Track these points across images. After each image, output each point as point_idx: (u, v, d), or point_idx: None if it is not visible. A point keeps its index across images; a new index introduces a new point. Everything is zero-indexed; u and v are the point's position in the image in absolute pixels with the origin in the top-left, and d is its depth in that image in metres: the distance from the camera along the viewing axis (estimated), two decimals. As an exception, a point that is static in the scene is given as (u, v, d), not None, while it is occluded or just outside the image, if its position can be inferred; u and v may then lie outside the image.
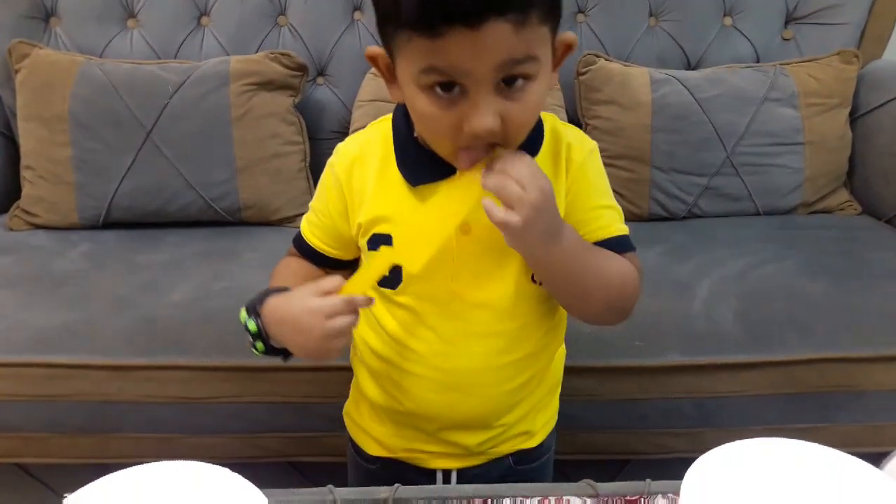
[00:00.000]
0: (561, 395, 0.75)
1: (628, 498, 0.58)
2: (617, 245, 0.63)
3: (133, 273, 1.06)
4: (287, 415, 0.92)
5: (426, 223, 0.57)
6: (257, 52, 1.28)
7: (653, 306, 0.96)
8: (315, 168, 1.26)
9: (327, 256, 0.68)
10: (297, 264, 0.69)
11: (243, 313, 0.60)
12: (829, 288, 1.01)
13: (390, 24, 0.52)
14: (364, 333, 0.67)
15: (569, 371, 0.76)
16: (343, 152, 0.65)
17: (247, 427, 0.92)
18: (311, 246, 0.68)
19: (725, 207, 1.23)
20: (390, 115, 0.63)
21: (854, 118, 1.29)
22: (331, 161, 0.66)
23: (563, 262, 0.58)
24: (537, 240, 0.54)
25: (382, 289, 0.63)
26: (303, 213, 0.70)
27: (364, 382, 0.70)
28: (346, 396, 0.75)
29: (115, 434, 0.92)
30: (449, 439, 0.67)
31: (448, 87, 0.51)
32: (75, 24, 1.32)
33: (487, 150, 0.54)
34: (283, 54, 1.24)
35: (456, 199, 0.55)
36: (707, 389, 0.91)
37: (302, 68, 1.25)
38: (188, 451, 0.92)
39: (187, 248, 1.13)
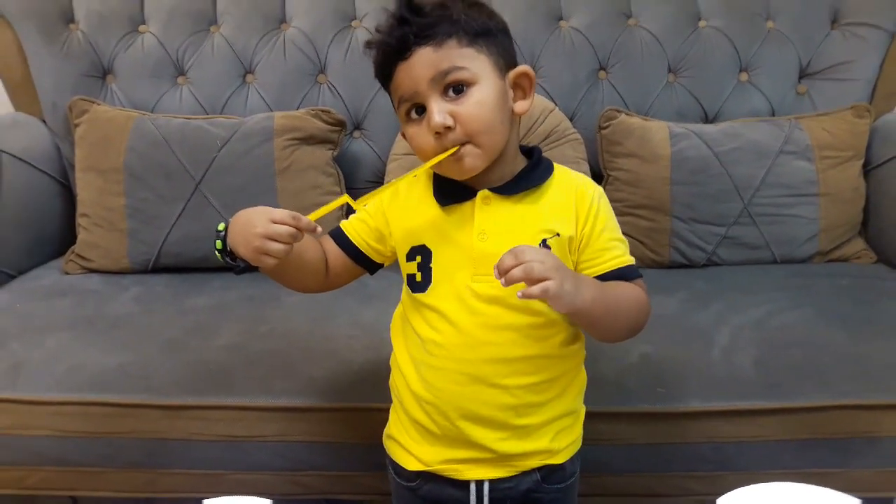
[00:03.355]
0: (585, 438, 0.81)
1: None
2: (628, 272, 0.75)
3: (181, 316, 1.13)
4: (326, 454, 0.97)
5: (453, 233, 0.74)
6: (299, 108, 1.37)
7: (674, 353, 1.01)
8: (349, 212, 1.33)
9: (354, 244, 0.80)
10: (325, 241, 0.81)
11: (221, 225, 0.71)
12: (845, 336, 1.05)
13: (384, 81, 0.73)
14: (401, 348, 0.79)
15: (591, 416, 0.82)
16: (394, 187, 0.78)
17: (289, 465, 0.98)
18: (346, 235, 0.80)
19: (744, 256, 1.28)
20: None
21: (867, 170, 1.34)
22: (385, 188, 0.76)
23: (601, 305, 0.69)
24: (573, 292, 0.64)
25: (415, 294, 0.76)
26: None
27: (404, 395, 0.78)
28: (380, 438, 0.82)
29: (165, 470, 0.98)
30: (472, 437, 0.74)
31: (418, 110, 0.71)
32: (130, 81, 1.42)
33: (462, 147, 0.69)
34: (322, 111, 1.33)
35: (474, 214, 0.73)
36: (726, 434, 0.95)
37: (340, 124, 1.34)
38: (234, 487, 0.98)
39: (232, 292, 1.20)
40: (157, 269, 1.29)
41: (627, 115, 1.33)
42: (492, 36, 0.71)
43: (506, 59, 0.73)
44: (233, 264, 0.71)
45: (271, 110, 1.37)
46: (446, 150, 0.69)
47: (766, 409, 0.95)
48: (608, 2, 1.42)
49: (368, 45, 0.73)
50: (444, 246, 0.74)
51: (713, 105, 1.40)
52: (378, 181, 1.39)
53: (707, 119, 1.40)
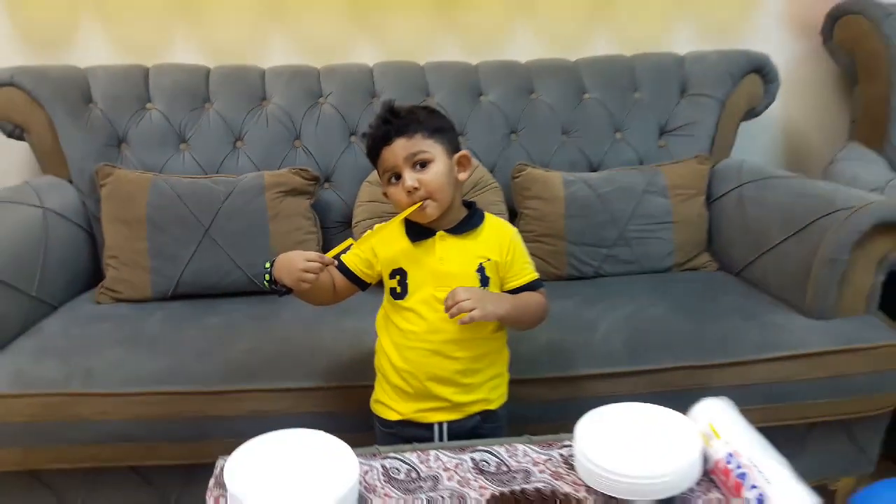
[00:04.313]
0: (512, 398, 1.21)
1: (549, 442, 1.05)
2: (535, 284, 1.19)
3: (203, 331, 1.47)
4: (327, 421, 1.27)
5: (422, 259, 1.13)
6: (281, 167, 1.74)
7: (569, 337, 1.42)
8: (326, 248, 1.71)
9: (352, 271, 1.18)
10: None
11: (267, 263, 1.10)
12: (688, 320, 1.48)
13: (373, 160, 1.15)
14: (384, 335, 1.18)
15: (516, 382, 1.23)
16: (378, 229, 1.16)
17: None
18: (345, 265, 1.18)
19: (621, 269, 1.72)
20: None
21: (709, 202, 1.81)
22: (369, 233, 1.17)
23: (516, 313, 1.12)
24: (496, 309, 1.07)
25: (395, 301, 1.14)
26: None
27: (386, 369, 1.17)
28: (365, 407, 1.22)
29: (206, 441, 1.31)
30: (435, 392, 1.13)
31: (396, 177, 1.11)
32: (141, 148, 1.76)
33: (425, 201, 1.09)
34: (301, 169, 1.71)
35: (435, 246, 1.13)
36: (604, 391, 1.35)
37: (315, 178, 1.72)
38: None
39: (238, 312, 1.55)
40: (176, 296, 1.62)
41: (533, 167, 1.77)
42: (444, 132, 1.14)
43: (453, 145, 1.15)
44: (278, 289, 1.09)
45: (258, 170, 1.74)
46: (415, 203, 1.10)
47: (630, 371, 1.37)
48: (516, 81, 1.87)
49: (364, 135, 1.15)
50: (415, 268, 1.14)
51: (596, 158, 1.87)
52: (346, 222, 1.76)
53: (592, 168, 1.86)
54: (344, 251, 1.13)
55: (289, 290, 1.09)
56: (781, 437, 1.43)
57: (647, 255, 1.73)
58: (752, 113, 1.93)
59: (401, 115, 1.12)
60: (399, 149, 1.09)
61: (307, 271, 1.05)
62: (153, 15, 1.90)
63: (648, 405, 1.06)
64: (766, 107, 1.93)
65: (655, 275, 1.74)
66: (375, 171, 1.19)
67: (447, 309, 1.05)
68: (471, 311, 1.03)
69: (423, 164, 1.10)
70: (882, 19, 1.89)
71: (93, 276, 1.72)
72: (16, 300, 1.47)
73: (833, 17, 1.99)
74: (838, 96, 2.11)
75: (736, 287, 1.67)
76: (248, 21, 1.93)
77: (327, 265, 1.08)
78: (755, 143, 2.09)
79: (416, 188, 1.09)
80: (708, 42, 2.03)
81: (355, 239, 1.19)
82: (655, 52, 1.98)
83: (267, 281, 1.10)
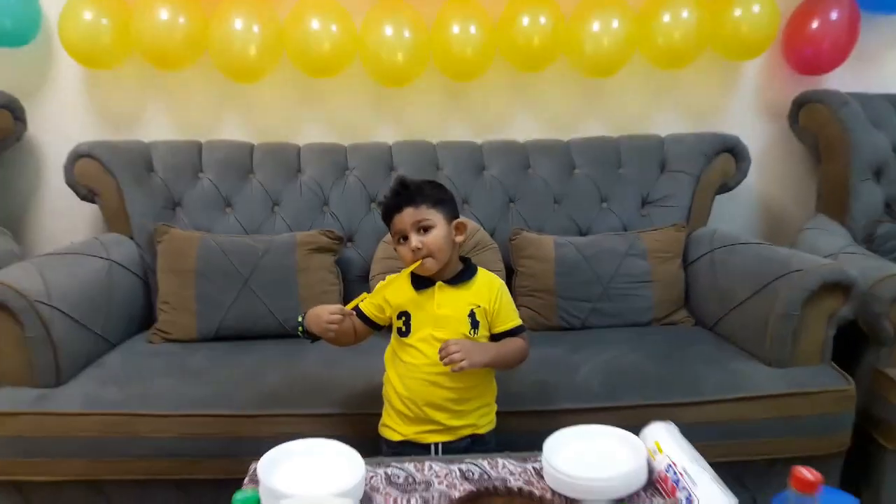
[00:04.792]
0: (502, 427, 1.44)
1: (524, 457, 1.26)
2: (518, 330, 1.42)
3: (240, 366, 1.71)
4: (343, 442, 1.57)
5: (423, 304, 1.37)
6: (310, 229, 2.01)
7: (554, 378, 1.64)
8: (347, 298, 1.97)
9: (367, 317, 1.43)
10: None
11: (300, 317, 1.35)
12: (661, 366, 1.69)
13: (386, 224, 1.41)
14: (391, 367, 1.41)
15: (506, 414, 1.45)
16: (389, 279, 1.41)
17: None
18: (362, 311, 1.43)
19: (605, 322, 1.94)
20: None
21: (686, 265, 2.04)
22: (381, 283, 1.42)
23: (499, 359, 1.37)
24: (481, 358, 1.32)
25: (401, 338, 1.38)
26: None
27: (392, 396, 1.40)
28: (374, 432, 1.44)
29: (241, 458, 1.52)
30: (432, 417, 1.36)
31: (403, 238, 1.35)
32: (193, 211, 2.05)
33: (426, 259, 1.34)
34: (328, 231, 1.98)
35: (434, 294, 1.38)
36: (582, 423, 1.57)
37: (339, 239, 1.99)
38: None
39: (269, 351, 1.79)
40: (218, 338, 1.88)
41: (528, 231, 2.03)
42: (444, 202, 1.40)
43: (452, 213, 1.41)
44: (309, 338, 1.36)
45: (291, 230, 2.02)
46: (416, 260, 1.35)
47: (605, 407, 1.57)
48: (514, 158, 2.15)
49: (380, 203, 1.45)
50: (418, 311, 1.38)
51: (584, 224, 2.12)
52: (364, 276, 2.02)
53: (580, 233, 2.10)
54: (360, 302, 1.40)
55: (318, 338, 1.36)
56: (748, 472, 1.66)
57: (629, 310, 1.96)
58: (725, 187, 2.17)
59: (410, 188, 1.38)
60: (407, 216, 1.35)
61: (331, 323, 1.31)
62: (207, 99, 2.23)
63: (607, 427, 1.29)
64: (739, 182, 2.17)
65: (636, 327, 1.95)
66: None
67: (441, 359, 1.29)
68: (461, 361, 1.27)
69: (426, 229, 1.35)
70: (839, 107, 2.15)
71: (146, 319, 1.99)
72: (85, 337, 1.73)
73: (798, 104, 2.25)
74: (807, 172, 2.35)
75: (707, 339, 1.88)
76: (287, 105, 2.25)
77: (347, 316, 1.34)
78: (735, 213, 2.33)
79: (419, 248, 1.34)
80: (688, 124, 2.31)
81: (370, 291, 1.46)
82: (639, 133, 2.26)
83: (300, 331, 1.36)
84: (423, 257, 1.35)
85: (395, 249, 1.42)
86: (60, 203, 2.20)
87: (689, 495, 1.07)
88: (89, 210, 2.15)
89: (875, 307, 1.67)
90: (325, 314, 1.32)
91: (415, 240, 1.35)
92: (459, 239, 1.42)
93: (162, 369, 1.70)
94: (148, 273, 2.02)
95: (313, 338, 1.36)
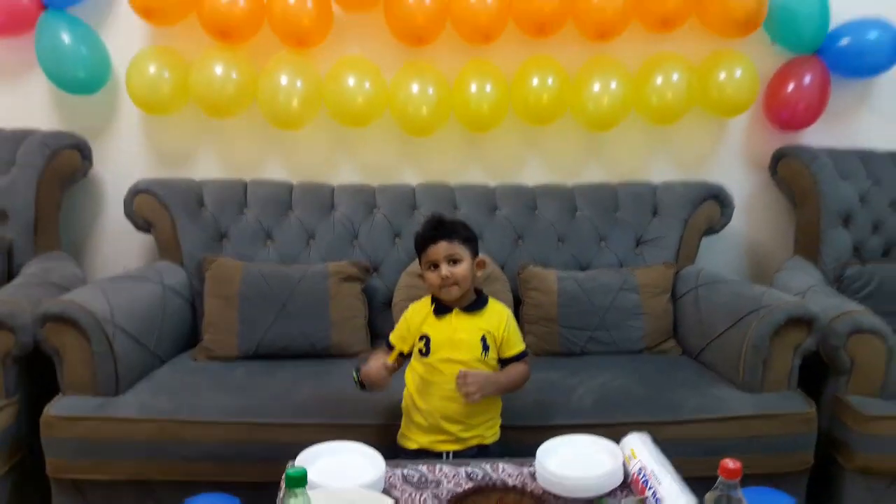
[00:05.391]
0: (508, 440, 1.67)
1: (521, 462, 1.50)
2: (521, 355, 1.65)
3: (275, 382, 1.93)
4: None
5: (442, 328, 1.61)
6: (342, 260, 2.27)
7: (552, 398, 1.88)
8: (371, 325, 2.23)
9: (401, 351, 1.67)
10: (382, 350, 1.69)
11: (354, 372, 1.59)
12: (648, 389, 1.92)
13: (419, 253, 1.64)
14: (411, 382, 1.64)
15: (510, 428, 1.69)
16: (411, 308, 1.67)
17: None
18: (390, 341, 1.68)
19: (601, 349, 2.17)
20: (430, 295, 1.65)
21: (674, 300, 2.29)
22: (406, 311, 1.68)
23: (507, 388, 1.62)
24: (491, 390, 1.57)
25: (422, 357, 1.61)
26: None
27: (411, 410, 1.64)
28: (394, 440, 1.68)
29: (275, 462, 1.64)
30: (445, 428, 1.59)
31: (434, 266, 1.59)
32: (237, 242, 2.30)
33: (450, 287, 1.59)
34: (356, 262, 2.24)
35: (452, 320, 1.62)
36: None
37: (366, 269, 2.25)
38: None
39: (303, 370, 2.02)
40: (256, 356, 2.11)
41: (534, 266, 2.28)
42: (471, 241, 1.65)
43: (475, 251, 1.66)
44: (363, 388, 1.61)
45: (324, 261, 2.27)
46: (443, 287, 1.59)
47: (596, 424, 1.75)
48: (523, 200, 2.41)
49: (416, 234, 1.66)
50: (437, 334, 1.62)
51: (584, 260, 2.37)
52: (387, 303, 2.27)
53: (581, 268, 2.35)
54: (396, 355, 1.67)
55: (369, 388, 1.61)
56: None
57: (623, 339, 2.20)
58: (711, 230, 2.42)
59: (446, 224, 1.64)
60: (441, 248, 1.60)
61: (386, 382, 1.58)
62: (252, 142, 2.50)
63: (591, 436, 1.53)
64: (724, 226, 2.42)
65: (629, 355, 2.19)
66: (414, 263, 1.77)
67: (458, 388, 1.53)
68: (475, 394, 1.52)
69: (456, 262, 1.61)
70: (811, 161, 2.40)
71: (191, 338, 2.24)
72: (141, 353, 1.97)
73: (776, 158, 2.50)
74: (786, 218, 2.59)
75: (691, 367, 2.12)
76: (323, 149, 2.52)
77: (391, 370, 1.59)
78: (721, 254, 2.57)
79: (448, 277, 1.59)
80: (678, 174, 2.56)
81: (394, 316, 1.71)
82: (634, 181, 2.52)
83: (356, 383, 1.62)
84: (451, 285, 1.60)
85: (424, 275, 1.66)
86: (118, 232, 2.46)
87: (655, 492, 1.31)
88: (144, 239, 2.42)
89: (833, 340, 1.91)
90: (380, 379, 1.57)
91: (445, 269, 1.59)
92: (479, 274, 1.67)
93: (207, 383, 1.93)
94: (195, 297, 2.27)
95: (367, 391, 1.62)
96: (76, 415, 1.78)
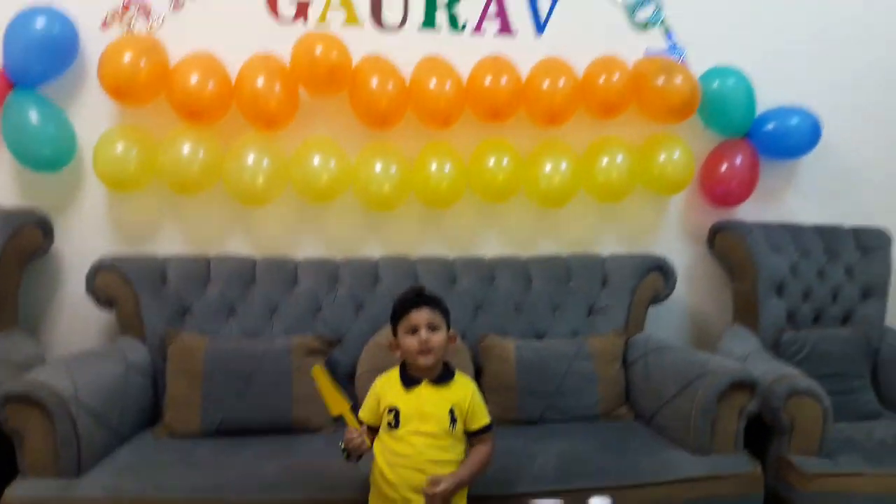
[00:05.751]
0: None
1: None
2: (487, 428, 1.70)
3: (239, 458, 1.94)
4: None
5: (410, 401, 1.65)
6: (305, 333, 2.30)
7: (516, 464, 1.94)
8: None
9: (370, 425, 1.72)
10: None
11: (341, 444, 1.63)
12: (605, 455, 2.01)
13: (397, 320, 1.69)
14: (379, 455, 1.68)
15: (476, 498, 1.73)
16: (378, 381, 1.73)
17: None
18: (359, 418, 1.72)
19: (559, 415, 2.26)
20: (397, 367, 1.71)
21: (626, 366, 2.41)
22: (374, 384, 1.73)
23: (469, 478, 1.66)
24: (461, 484, 1.64)
25: (391, 430, 1.65)
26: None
27: (379, 481, 1.67)
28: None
29: None
30: (413, 500, 1.63)
31: (414, 331, 1.65)
32: (200, 318, 2.32)
33: (427, 353, 1.65)
34: (319, 336, 2.28)
35: (421, 392, 1.66)
36: None
37: (330, 343, 2.30)
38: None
39: (267, 445, 2.04)
40: (219, 432, 2.12)
41: (493, 336, 2.38)
42: (447, 314, 1.71)
43: (449, 323, 1.72)
44: (351, 459, 1.65)
45: (287, 335, 2.31)
46: (422, 352, 1.65)
47: (558, 490, 1.87)
48: (480, 273, 2.52)
49: (398, 301, 1.71)
50: (405, 406, 1.65)
51: (540, 329, 2.48)
52: (350, 375, 2.31)
53: (537, 337, 2.46)
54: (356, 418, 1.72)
55: (358, 458, 1.67)
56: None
57: (579, 406, 2.29)
58: (657, 299, 2.57)
59: (429, 295, 1.72)
60: (424, 314, 1.67)
61: (363, 443, 1.65)
62: (217, 218, 2.55)
63: (558, 500, 1.60)
64: (668, 295, 2.58)
65: (586, 421, 2.28)
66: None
67: (427, 496, 1.60)
68: (444, 493, 1.60)
69: (434, 329, 1.68)
70: (746, 235, 2.60)
71: (152, 415, 2.22)
72: (103, 432, 1.94)
73: (713, 231, 2.70)
74: (725, 288, 2.77)
75: (643, 432, 2.22)
76: (287, 224, 2.58)
77: (364, 433, 1.66)
78: (667, 321, 2.73)
79: (427, 341, 1.66)
80: (624, 246, 2.73)
81: (357, 388, 1.81)
82: (585, 253, 2.67)
83: (345, 456, 1.67)
84: (428, 351, 1.66)
85: (400, 341, 1.70)
86: (76, 308, 2.45)
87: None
88: (102, 315, 2.41)
89: (774, 402, 2.05)
90: (357, 440, 1.64)
91: (425, 334, 1.66)
92: (450, 346, 1.75)
93: (171, 461, 1.93)
94: (157, 374, 2.27)
95: (353, 459, 1.67)
96: (39, 496, 1.76)
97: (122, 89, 2.31)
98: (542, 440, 2.10)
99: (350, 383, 2.31)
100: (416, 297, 1.71)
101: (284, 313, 2.39)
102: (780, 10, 2.78)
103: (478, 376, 2.31)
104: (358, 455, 1.65)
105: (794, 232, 2.69)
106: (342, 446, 1.65)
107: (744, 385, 2.03)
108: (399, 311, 1.72)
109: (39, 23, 2.29)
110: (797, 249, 2.65)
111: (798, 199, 2.86)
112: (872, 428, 2.27)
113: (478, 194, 2.55)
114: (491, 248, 2.68)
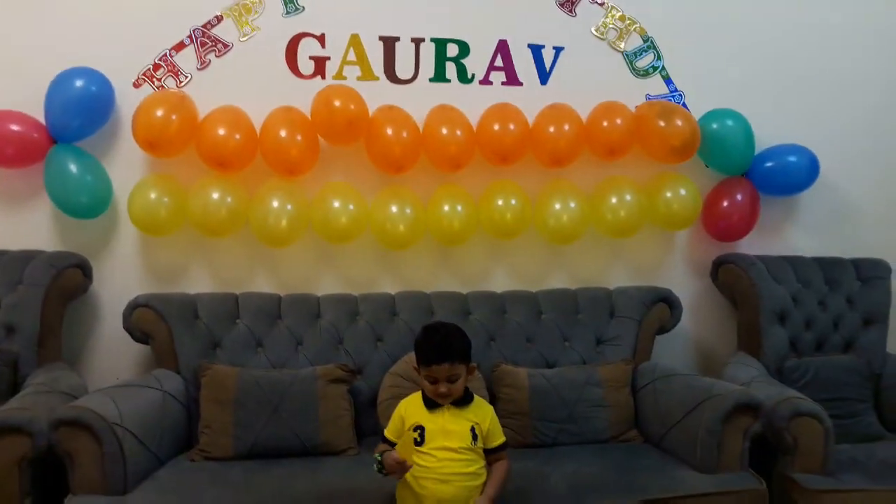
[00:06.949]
0: None
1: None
2: (502, 447, 1.84)
3: (270, 478, 2.07)
4: None
5: (435, 420, 1.81)
6: (329, 364, 2.45)
7: (530, 483, 2.04)
8: (357, 424, 2.38)
9: (389, 440, 1.84)
10: (383, 444, 1.86)
11: (376, 457, 1.76)
12: (615, 474, 2.11)
13: (420, 362, 1.83)
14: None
15: None
16: (403, 403, 1.87)
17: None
18: (386, 437, 1.85)
19: (571, 439, 2.36)
20: (420, 392, 1.86)
21: (634, 392, 2.51)
22: (398, 407, 1.86)
23: (500, 492, 1.80)
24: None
25: (416, 447, 1.78)
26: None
27: (406, 496, 1.79)
28: None
29: None
30: None
31: (434, 381, 1.79)
32: (231, 350, 2.47)
33: (445, 398, 1.81)
34: (342, 365, 2.42)
35: (444, 413, 1.82)
36: None
37: (352, 372, 2.43)
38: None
39: (296, 466, 2.16)
40: (250, 456, 2.25)
41: (506, 364, 2.50)
42: (468, 355, 1.84)
43: (469, 361, 1.85)
44: (383, 473, 1.77)
45: (312, 365, 2.45)
46: (439, 396, 1.80)
47: None
48: (494, 305, 2.65)
49: (422, 345, 1.82)
50: (430, 425, 1.80)
51: (551, 358, 2.60)
52: (372, 402, 2.43)
53: (548, 366, 2.57)
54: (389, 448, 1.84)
55: (389, 474, 1.78)
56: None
57: (590, 430, 2.39)
58: (663, 329, 2.69)
59: (451, 346, 1.80)
60: (444, 370, 1.78)
61: (404, 468, 1.75)
62: (243, 258, 2.72)
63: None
64: (674, 326, 2.69)
65: (597, 444, 2.38)
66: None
67: None
68: None
69: (454, 380, 1.81)
70: (749, 267, 2.72)
71: (186, 440, 2.35)
72: (145, 454, 2.08)
73: (717, 264, 2.83)
74: (728, 318, 2.89)
75: (652, 453, 2.31)
76: (309, 263, 2.75)
77: (407, 467, 1.76)
78: (673, 350, 2.83)
79: (445, 393, 1.80)
80: (631, 279, 2.86)
81: (379, 414, 2.01)
82: (593, 286, 2.80)
83: (379, 469, 1.78)
84: (445, 397, 1.81)
85: (421, 380, 1.85)
86: (114, 343, 2.61)
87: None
88: (137, 349, 2.57)
89: (777, 423, 2.14)
90: (402, 463, 1.73)
91: (444, 387, 1.80)
92: (471, 378, 1.89)
93: (207, 481, 2.06)
94: (190, 402, 2.40)
95: (386, 474, 1.78)
96: (88, 515, 1.88)
97: (154, 142, 2.48)
98: (555, 461, 2.20)
99: (371, 409, 2.43)
100: (437, 354, 1.79)
101: (308, 345, 2.53)
102: (776, 56, 2.94)
103: (492, 403, 2.40)
104: (396, 473, 1.76)
105: (794, 263, 2.81)
106: (378, 458, 1.77)
107: (748, 407, 2.12)
108: (420, 357, 1.84)
109: (78, 83, 2.50)
110: (798, 280, 2.76)
111: (798, 232, 2.99)
112: (874, 449, 2.34)
113: (488, 232, 2.70)
114: (501, 282, 2.82)
